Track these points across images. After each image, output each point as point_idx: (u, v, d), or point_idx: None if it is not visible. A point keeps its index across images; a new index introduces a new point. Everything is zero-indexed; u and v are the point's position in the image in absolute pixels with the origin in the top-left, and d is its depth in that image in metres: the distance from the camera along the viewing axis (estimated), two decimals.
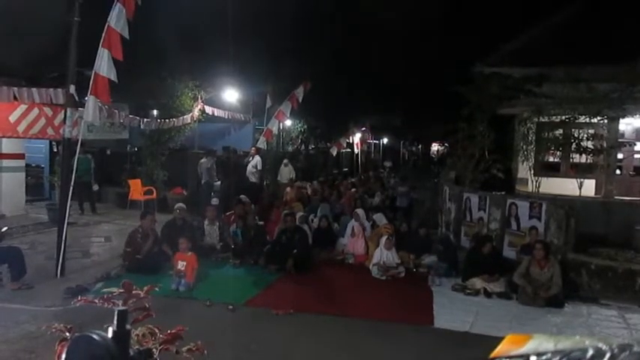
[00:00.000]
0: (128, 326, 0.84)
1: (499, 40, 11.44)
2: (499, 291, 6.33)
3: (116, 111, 9.30)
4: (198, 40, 12.60)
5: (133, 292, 2.62)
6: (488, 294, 6.33)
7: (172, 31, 10.85)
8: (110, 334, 0.80)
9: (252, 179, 11.85)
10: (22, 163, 10.12)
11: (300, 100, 14.58)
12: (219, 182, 11.28)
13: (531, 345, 0.61)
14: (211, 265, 7.23)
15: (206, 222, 8.16)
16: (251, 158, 12.03)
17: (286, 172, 13.84)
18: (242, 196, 9.93)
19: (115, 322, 0.83)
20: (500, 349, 0.63)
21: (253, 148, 12.37)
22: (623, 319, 5.66)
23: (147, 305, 2.63)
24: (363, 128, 25.75)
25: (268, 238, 8.20)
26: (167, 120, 11.06)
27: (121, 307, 0.87)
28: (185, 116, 11.74)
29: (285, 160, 14.20)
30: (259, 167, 12.08)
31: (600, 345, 0.56)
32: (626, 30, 9.36)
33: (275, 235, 8.12)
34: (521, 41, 10.85)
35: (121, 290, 2.62)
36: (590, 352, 0.55)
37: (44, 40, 7.65)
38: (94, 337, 0.75)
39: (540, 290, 6.04)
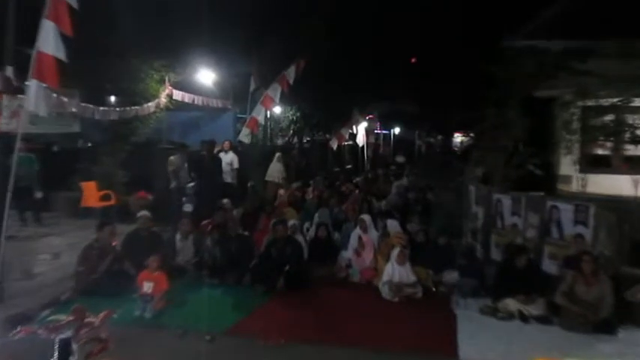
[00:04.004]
0: (73, 358, 0.83)
1: (535, 7, 11.44)
2: (537, 314, 6.33)
3: (65, 98, 9.29)
4: (166, 10, 12.59)
5: (86, 319, 2.63)
6: (524, 318, 6.32)
7: None
8: None
9: (228, 179, 11.86)
10: None
11: (292, 82, 14.56)
12: (192, 184, 11.26)
13: None
14: (184, 286, 7.22)
15: (178, 236, 8.13)
16: (224, 153, 12.01)
17: (278, 169, 13.83)
18: (225, 201, 9.93)
19: (56, 354, 0.82)
20: None
21: (226, 142, 12.37)
22: None
23: (103, 336, 2.63)
24: (370, 116, 25.76)
25: (255, 252, 8.18)
26: (128, 108, 11.04)
27: (64, 336, 0.86)
28: (150, 103, 11.72)
29: (278, 154, 14.18)
30: (236, 165, 12.05)
31: None
32: None
33: (263, 248, 8.11)
34: (562, 7, 10.86)
35: (71, 318, 2.62)
36: None
37: None
38: None
39: (588, 312, 6.04)
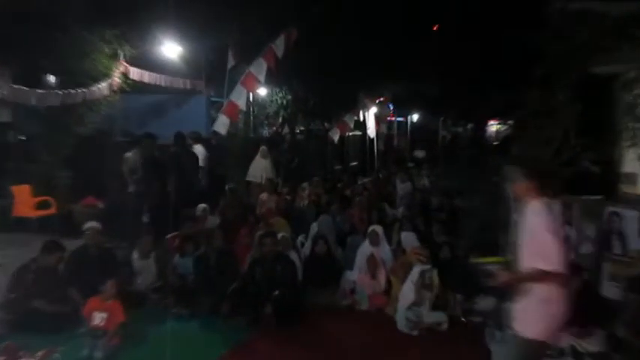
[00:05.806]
0: None
1: None
2: (595, 350, 6.34)
3: None
4: None
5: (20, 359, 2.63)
6: (578, 355, 6.34)
7: None
8: None
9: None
10: None
11: (281, 56, 14.58)
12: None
13: None
14: (145, 318, 7.24)
15: (135, 254, 8.14)
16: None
17: (262, 167, 13.82)
18: (201, 206, 9.92)
19: None
20: None
21: (191, 134, 12.43)
22: None
23: None
24: (381, 100, 25.78)
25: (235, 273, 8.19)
26: (72, 91, 11.02)
27: None
28: (100, 85, 11.70)
29: (263, 148, 14.18)
30: (201, 162, 12.07)
31: None
32: None
33: (245, 268, 8.11)
34: None
35: (1, 358, 2.63)
36: None
37: None
38: None
39: None
